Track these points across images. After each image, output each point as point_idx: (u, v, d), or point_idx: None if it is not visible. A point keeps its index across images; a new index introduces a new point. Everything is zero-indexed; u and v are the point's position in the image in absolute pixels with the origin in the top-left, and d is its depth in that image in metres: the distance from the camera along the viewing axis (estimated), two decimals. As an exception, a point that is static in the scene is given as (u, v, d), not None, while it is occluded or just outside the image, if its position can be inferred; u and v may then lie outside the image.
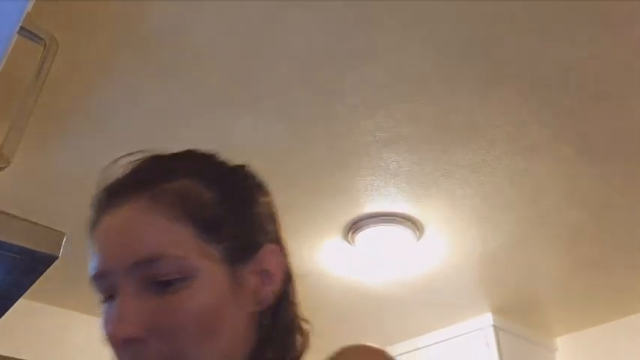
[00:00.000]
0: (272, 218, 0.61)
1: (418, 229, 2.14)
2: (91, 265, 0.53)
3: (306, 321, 0.60)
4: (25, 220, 0.89)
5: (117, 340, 0.49)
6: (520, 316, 2.74)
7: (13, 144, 0.89)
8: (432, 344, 2.79)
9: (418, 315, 2.71)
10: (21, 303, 1.11)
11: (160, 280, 0.50)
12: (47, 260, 0.91)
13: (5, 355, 2.24)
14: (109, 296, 0.52)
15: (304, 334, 0.59)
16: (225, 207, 0.55)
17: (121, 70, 1.51)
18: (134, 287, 0.50)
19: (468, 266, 2.36)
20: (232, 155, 0.60)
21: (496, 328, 2.65)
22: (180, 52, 1.47)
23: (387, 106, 1.64)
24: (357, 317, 2.69)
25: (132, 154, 0.58)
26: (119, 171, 0.57)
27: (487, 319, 2.67)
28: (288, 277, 0.59)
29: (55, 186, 1.91)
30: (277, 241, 0.60)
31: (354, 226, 2.14)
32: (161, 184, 0.54)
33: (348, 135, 1.74)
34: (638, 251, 2.27)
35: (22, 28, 0.91)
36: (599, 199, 1.99)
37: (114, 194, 0.55)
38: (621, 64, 1.51)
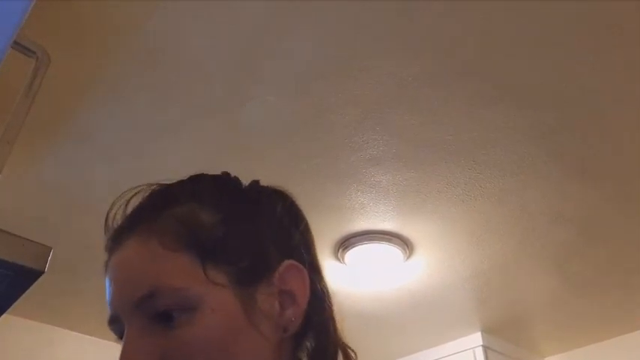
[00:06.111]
0: (291, 233, 0.57)
1: (408, 248, 2.14)
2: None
3: (351, 349, 0.56)
4: (11, 234, 0.88)
5: None
6: (510, 335, 2.73)
7: (2, 156, 0.89)
8: (421, 364, 2.77)
9: (407, 334, 2.70)
10: (3, 318, 1.09)
11: (162, 315, 0.48)
12: (33, 275, 0.89)
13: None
14: (121, 337, 0.50)
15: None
16: (229, 227, 0.52)
17: (112, 84, 1.51)
18: (139, 326, 0.49)
19: (457, 285, 2.36)
20: (225, 167, 0.59)
21: (485, 347, 2.64)
22: (174, 65, 1.47)
23: (378, 125, 1.65)
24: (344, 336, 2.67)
25: (138, 187, 0.56)
26: (124, 206, 0.56)
27: (477, 338, 2.66)
28: (319, 297, 0.54)
29: (43, 198, 1.89)
30: (301, 257, 0.55)
31: (344, 244, 2.13)
32: (158, 214, 0.52)
33: (338, 152, 1.74)
34: (627, 271, 2.28)
35: (14, 42, 0.91)
36: (588, 218, 2.01)
37: (118, 233, 0.54)
38: (611, 84, 1.53)
